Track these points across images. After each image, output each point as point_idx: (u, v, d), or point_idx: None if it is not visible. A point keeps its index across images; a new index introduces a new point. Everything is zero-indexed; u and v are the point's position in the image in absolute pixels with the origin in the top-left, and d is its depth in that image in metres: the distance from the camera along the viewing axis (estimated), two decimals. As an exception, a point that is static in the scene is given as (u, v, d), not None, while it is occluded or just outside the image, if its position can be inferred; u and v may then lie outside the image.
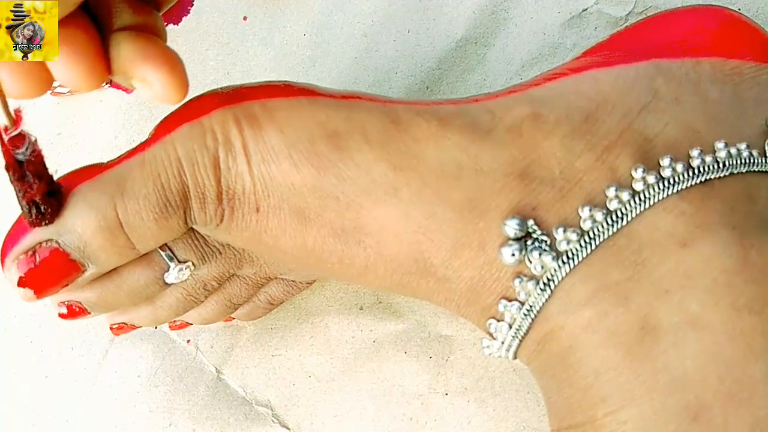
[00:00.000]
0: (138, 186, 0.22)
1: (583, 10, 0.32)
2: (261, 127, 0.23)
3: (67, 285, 0.23)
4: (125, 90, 0.38)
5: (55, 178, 0.23)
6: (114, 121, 0.38)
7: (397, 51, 0.34)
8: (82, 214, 0.22)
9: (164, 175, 0.23)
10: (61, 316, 0.25)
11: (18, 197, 0.22)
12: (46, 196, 0.22)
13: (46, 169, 0.22)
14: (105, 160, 0.24)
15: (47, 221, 0.22)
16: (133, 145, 0.24)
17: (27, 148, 0.21)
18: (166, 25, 0.39)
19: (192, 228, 0.24)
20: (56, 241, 0.22)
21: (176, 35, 0.39)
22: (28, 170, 0.21)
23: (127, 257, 0.23)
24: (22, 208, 0.22)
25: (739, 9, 0.30)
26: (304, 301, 0.32)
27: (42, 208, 0.22)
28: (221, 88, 0.24)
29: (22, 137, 0.20)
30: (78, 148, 0.38)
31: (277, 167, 0.23)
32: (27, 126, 0.20)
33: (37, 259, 0.22)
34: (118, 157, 0.24)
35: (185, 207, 0.23)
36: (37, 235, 0.22)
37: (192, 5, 0.39)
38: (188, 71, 0.38)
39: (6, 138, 0.20)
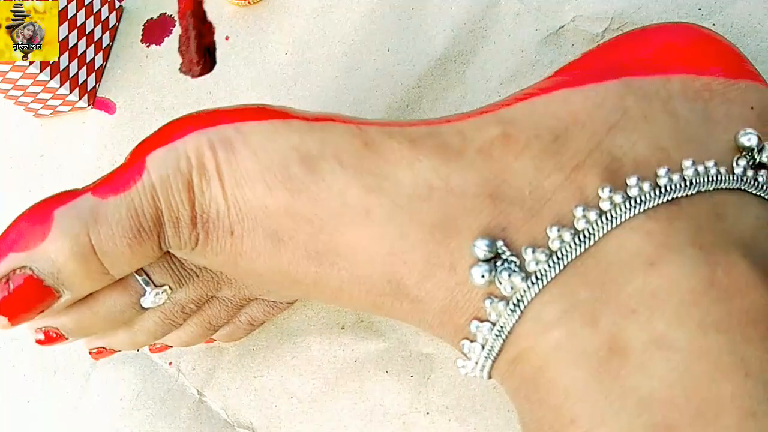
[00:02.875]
0: (111, 211, 0.22)
1: (560, 27, 0.33)
2: (235, 150, 0.23)
3: (42, 311, 0.23)
4: (108, 111, 0.38)
5: (38, 200, 0.23)
6: (97, 143, 0.38)
7: (378, 70, 0.34)
8: (55, 239, 0.22)
9: (137, 200, 0.23)
10: (39, 342, 0.25)
11: (192, 43, 0.21)
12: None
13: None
14: (87, 183, 0.24)
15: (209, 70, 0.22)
16: (116, 167, 0.24)
17: None
18: (148, 46, 0.40)
19: (169, 251, 0.24)
20: (30, 268, 0.22)
21: (159, 56, 0.39)
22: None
23: (102, 282, 0.23)
24: (191, 56, 0.22)
25: (714, 24, 0.30)
26: (285, 321, 0.32)
27: (213, 54, 0.22)
28: (196, 112, 0.24)
29: None
30: (62, 170, 0.38)
31: (251, 190, 0.23)
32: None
33: (11, 287, 0.22)
34: (93, 182, 0.24)
35: (159, 231, 0.23)
36: (10, 262, 0.22)
37: (174, 26, 0.39)
38: (170, 91, 0.38)
39: None
